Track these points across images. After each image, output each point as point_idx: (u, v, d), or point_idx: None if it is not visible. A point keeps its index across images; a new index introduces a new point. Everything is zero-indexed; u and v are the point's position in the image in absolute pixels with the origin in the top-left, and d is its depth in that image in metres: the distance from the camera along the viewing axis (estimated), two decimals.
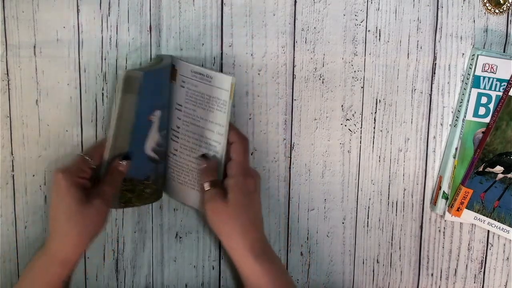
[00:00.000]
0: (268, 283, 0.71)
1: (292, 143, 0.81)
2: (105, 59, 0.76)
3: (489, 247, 0.84)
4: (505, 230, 0.80)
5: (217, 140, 0.73)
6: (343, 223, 0.83)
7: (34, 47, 0.75)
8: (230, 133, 0.73)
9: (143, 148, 0.73)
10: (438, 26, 0.79)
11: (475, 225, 0.83)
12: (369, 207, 0.83)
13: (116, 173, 0.71)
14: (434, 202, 0.82)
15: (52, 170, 0.73)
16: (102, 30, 0.76)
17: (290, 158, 0.81)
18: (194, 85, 0.73)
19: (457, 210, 0.80)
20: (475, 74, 0.77)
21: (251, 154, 0.80)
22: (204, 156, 0.74)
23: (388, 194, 0.83)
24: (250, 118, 0.79)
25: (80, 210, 0.68)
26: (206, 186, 0.72)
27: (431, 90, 0.80)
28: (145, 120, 0.71)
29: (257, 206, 0.74)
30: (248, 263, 0.71)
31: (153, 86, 0.71)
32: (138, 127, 0.71)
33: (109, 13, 0.76)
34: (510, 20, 0.79)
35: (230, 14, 0.77)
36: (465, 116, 0.78)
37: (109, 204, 0.70)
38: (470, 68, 0.78)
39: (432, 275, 0.85)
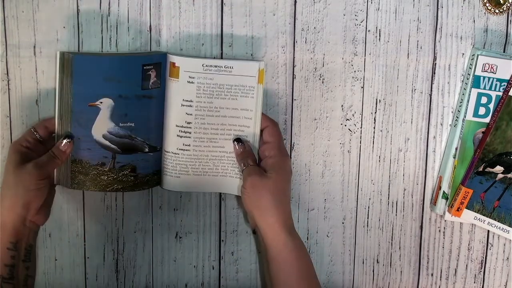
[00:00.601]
0: (297, 258, 0.73)
1: (292, 143, 0.81)
2: None
3: (489, 247, 0.84)
4: (505, 230, 0.80)
5: (245, 125, 0.76)
6: (343, 223, 0.83)
7: (34, 47, 0.75)
8: (262, 118, 0.76)
9: (90, 133, 0.74)
10: (438, 26, 0.79)
11: (475, 225, 0.83)
12: (369, 207, 0.83)
13: (58, 150, 0.73)
14: (434, 202, 0.82)
15: None
16: (102, 30, 0.76)
17: (290, 158, 0.81)
18: (208, 78, 0.75)
19: (457, 210, 0.80)
20: (475, 74, 0.77)
21: None
22: (238, 140, 0.76)
23: (388, 194, 0.83)
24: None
25: (14, 173, 0.71)
26: (247, 164, 0.75)
27: (431, 90, 0.80)
28: (86, 105, 0.73)
29: (290, 185, 0.77)
30: (281, 239, 0.73)
31: (98, 73, 0.72)
32: (79, 110, 0.73)
33: (109, 13, 0.76)
34: (510, 20, 0.79)
35: (230, 14, 0.77)
36: (465, 116, 0.78)
37: (43, 172, 0.71)
38: (470, 68, 0.78)
39: (432, 275, 0.85)
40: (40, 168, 0.71)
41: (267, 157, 0.75)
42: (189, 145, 0.77)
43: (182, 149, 0.77)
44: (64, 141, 0.73)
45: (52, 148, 0.73)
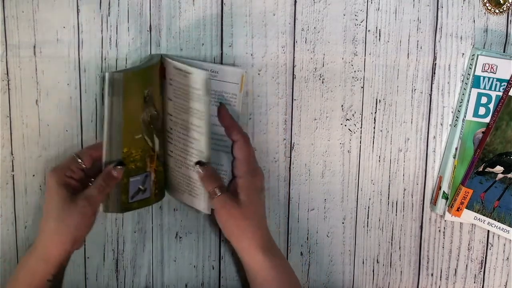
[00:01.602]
0: (276, 277, 0.72)
1: (292, 143, 0.81)
2: (105, 59, 0.76)
3: (489, 247, 0.84)
4: (505, 230, 0.80)
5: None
6: (343, 223, 0.83)
7: (34, 47, 0.75)
8: (233, 132, 0.73)
9: None
10: (438, 26, 0.79)
11: (475, 225, 0.83)
12: (369, 207, 0.83)
13: (108, 178, 0.70)
14: (434, 202, 0.82)
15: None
16: (102, 30, 0.76)
17: (290, 158, 0.81)
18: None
19: (457, 210, 0.80)
20: (475, 74, 0.77)
21: None
22: (199, 163, 0.72)
23: (388, 194, 0.83)
24: (250, 118, 0.79)
25: (64, 208, 0.68)
26: (215, 193, 0.72)
27: (431, 90, 0.80)
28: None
29: (264, 204, 0.75)
30: (258, 260, 0.72)
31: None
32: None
33: (109, 13, 0.76)
34: (510, 20, 0.79)
35: (230, 14, 0.77)
36: (465, 116, 0.78)
37: (95, 207, 0.70)
38: (470, 68, 0.78)
39: (432, 275, 0.85)
40: (93, 205, 0.69)
41: (236, 176, 0.73)
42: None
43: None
44: (118, 167, 0.70)
45: (101, 176, 0.70)
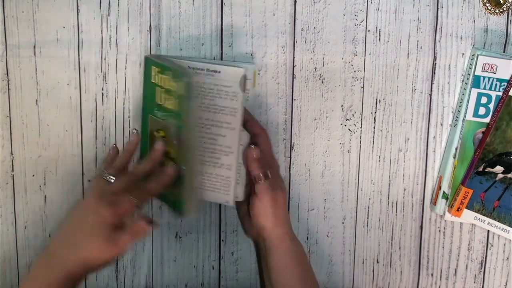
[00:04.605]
0: (297, 262, 0.73)
1: (292, 143, 0.81)
2: (105, 59, 0.76)
3: (489, 247, 0.84)
4: (505, 230, 0.80)
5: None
6: (343, 223, 0.83)
7: (34, 47, 0.75)
8: (254, 125, 0.75)
9: None
10: (438, 26, 0.79)
11: (475, 225, 0.83)
12: (369, 207, 0.83)
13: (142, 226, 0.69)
14: (434, 202, 0.82)
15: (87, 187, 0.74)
16: (102, 30, 0.76)
17: (290, 158, 0.81)
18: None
19: (457, 210, 0.80)
20: (475, 74, 0.77)
21: None
22: (255, 144, 0.73)
23: (388, 194, 0.83)
24: None
25: (107, 237, 0.67)
26: (260, 178, 0.72)
27: (431, 90, 0.80)
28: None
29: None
30: (286, 245, 0.72)
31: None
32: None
33: (109, 13, 0.76)
34: (510, 20, 0.79)
35: (230, 14, 0.77)
36: (465, 116, 0.78)
37: (130, 246, 0.69)
38: (470, 68, 0.78)
39: (432, 275, 0.85)
40: (131, 245, 0.68)
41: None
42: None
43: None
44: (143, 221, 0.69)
45: (139, 219, 0.69)
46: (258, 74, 0.78)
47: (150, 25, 0.76)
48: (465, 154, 0.79)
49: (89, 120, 0.78)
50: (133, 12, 0.76)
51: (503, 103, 0.77)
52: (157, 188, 0.71)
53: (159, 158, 0.72)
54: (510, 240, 0.84)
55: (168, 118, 0.71)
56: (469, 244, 0.84)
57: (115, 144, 0.77)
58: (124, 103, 0.78)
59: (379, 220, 0.84)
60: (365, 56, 0.79)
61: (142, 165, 0.71)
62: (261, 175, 0.72)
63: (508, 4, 0.78)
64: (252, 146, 0.73)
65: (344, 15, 0.78)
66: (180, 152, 0.71)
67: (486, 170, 0.79)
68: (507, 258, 0.85)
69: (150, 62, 0.74)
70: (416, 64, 0.79)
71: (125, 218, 0.68)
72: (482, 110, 0.78)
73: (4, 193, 0.79)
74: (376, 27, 0.78)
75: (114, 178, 0.70)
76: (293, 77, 0.79)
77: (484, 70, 0.77)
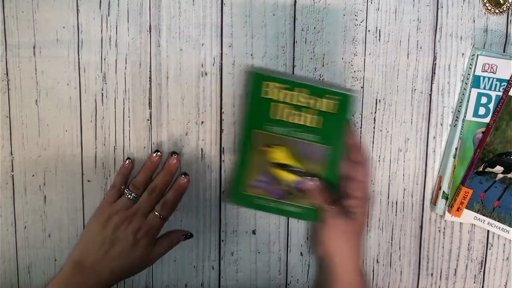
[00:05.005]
0: None
1: None
2: (105, 59, 0.76)
3: (489, 247, 0.84)
4: (505, 230, 0.80)
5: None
6: None
7: (34, 47, 0.75)
8: (358, 152, 0.76)
9: None
10: (438, 26, 0.79)
11: (475, 225, 0.83)
12: (369, 207, 0.83)
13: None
14: (434, 202, 0.82)
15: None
16: (102, 30, 0.76)
17: None
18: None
19: (457, 210, 0.80)
20: (475, 74, 0.77)
21: None
22: (312, 175, 0.76)
23: (388, 194, 0.83)
24: None
25: (145, 254, 0.75)
26: (329, 205, 0.75)
27: (431, 90, 0.80)
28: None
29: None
30: (357, 281, 0.74)
31: None
32: None
33: (109, 13, 0.76)
34: (510, 20, 0.79)
35: (230, 14, 0.77)
36: (465, 116, 0.78)
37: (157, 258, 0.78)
38: (470, 68, 0.78)
39: (432, 275, 0.85)
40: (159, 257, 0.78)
41: (352, 196, 0.75)
42: None
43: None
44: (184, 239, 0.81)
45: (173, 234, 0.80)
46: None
47: (150, 25, 0.76)
48: (465, 154, 0.79)
49: (88, 120, 0.78)
50: (133, 12, 0.76)
51: (503, 103, 0.77)
52: (176, 200, 0.77)
53: (175, 172, 0.77)
54: (510, 240, 0.84)
55: (296, 133, 0.75)
56: (469, 244, 0.84)
57: (129, 158, 0.78)
58: (124, 103, 0.78)
59: (379, 220, 0.84)
60: (365, 56, 0.79)
61: (160, 179, 0.77)
62: (322, 203, 0.75)
63: (508, 4, 0.78)
64: (311, 179, 0.76)
65: (344, 15, 0.78)
66: (313, 166, 0.76)
67: (486, 170, 0.79)
68: (507, 258, 0.85)
69: (260, 77, 0.74)
70: (416, 64, 0.79)
71: (155, 231, 0.76)
72: (482, 110, 0.78)
73: (4, 193, 0.79)
74: (376, 27, 0.78)
75: (135, 196, 0.76)
76: None
77: (484, 70, 0.77)
